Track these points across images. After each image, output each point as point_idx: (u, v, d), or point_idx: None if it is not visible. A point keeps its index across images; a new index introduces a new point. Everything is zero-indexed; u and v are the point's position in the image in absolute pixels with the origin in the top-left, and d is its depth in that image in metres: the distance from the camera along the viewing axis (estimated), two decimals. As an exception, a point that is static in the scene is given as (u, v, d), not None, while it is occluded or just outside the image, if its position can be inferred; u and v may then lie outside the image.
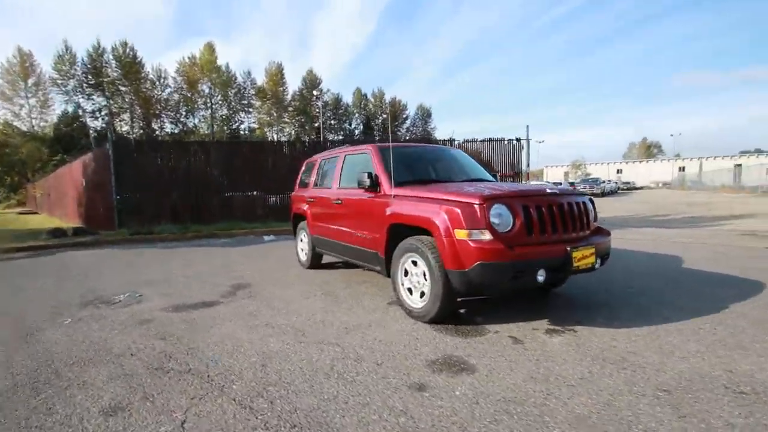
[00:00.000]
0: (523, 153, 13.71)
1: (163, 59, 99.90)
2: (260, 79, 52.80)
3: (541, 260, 2.87)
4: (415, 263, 3.38)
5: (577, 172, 60.95)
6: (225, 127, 50.59)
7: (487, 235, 2.83)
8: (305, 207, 5.57)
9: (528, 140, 13.73)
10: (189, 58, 48.21)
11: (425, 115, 64.34)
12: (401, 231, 3.55)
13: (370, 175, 3.89)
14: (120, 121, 46.91)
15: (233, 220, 11.46)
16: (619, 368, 2.40)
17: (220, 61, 49.34)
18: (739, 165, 40.16)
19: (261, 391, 2.26)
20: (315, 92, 49.97)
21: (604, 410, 1.98)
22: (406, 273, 3.50)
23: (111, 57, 44.30)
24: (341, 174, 4.79)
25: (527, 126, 14.98)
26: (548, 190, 3.31)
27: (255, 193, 12.65)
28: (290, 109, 54.10)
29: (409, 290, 3.47)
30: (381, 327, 3.24)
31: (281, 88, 53.13)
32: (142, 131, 47.13)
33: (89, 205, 13.28)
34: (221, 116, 51.52)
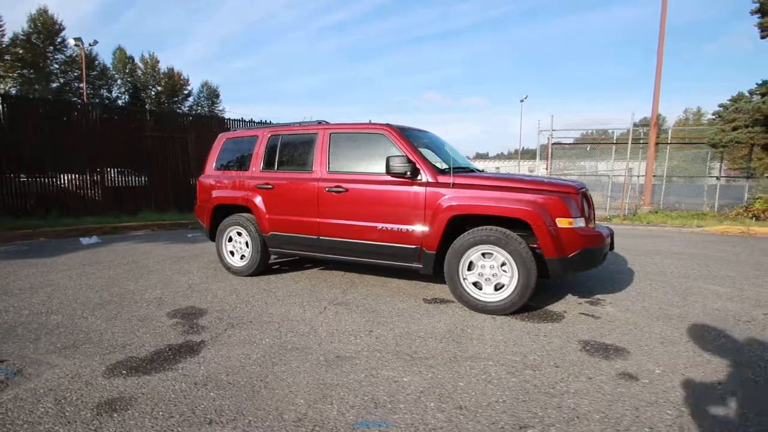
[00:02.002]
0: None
1: None
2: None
3: (606, 245, 3.33)
4: (484, 255, 3.24)
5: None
6: None
7: (583, 223, 3.06)
8: (253, 196, 4.22)
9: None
10: None
11: (212, 94, 57.28)
12: (461, 223, 3.31)
13: (408, 160, 3.40)
14: None
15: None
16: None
17: None
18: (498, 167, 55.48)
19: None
20: (67, 41, 35.89)
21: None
22: (470, 266, 3.30)
23: None
24: (329, 156, 3.91)
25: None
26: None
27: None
28: (7, 57, 37.07)
29: (474, 284, 3.30)
30: (495, 329, 2.97)
31: (-17, 23, 35.46)
32: None
33: None
34: None
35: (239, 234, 4.47)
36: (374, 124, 3.85)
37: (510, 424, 1.81)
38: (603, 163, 15.25)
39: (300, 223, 3.99)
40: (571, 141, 17.39)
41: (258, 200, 4.21)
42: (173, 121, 11.06)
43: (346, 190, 3.73)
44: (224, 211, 4.60)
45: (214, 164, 4.72)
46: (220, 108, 59.01)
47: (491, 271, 3.23)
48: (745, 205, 11.62)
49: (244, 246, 4.45)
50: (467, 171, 3.89)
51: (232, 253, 4.54)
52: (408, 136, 3.72)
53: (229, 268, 4.52)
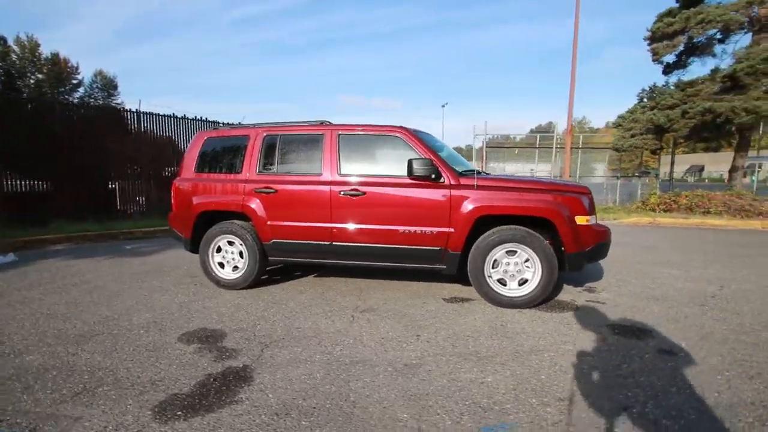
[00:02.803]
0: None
1: None
2: None
3: (610, 239, 3.71)
4: (509, 253, 3.40)
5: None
6: None
7: (595, 220, 3.38)
8: (250, 202, 3.84)
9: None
10: None
11: (108, 84, 50.22)
12: (485, 223, 3.43)
13: (432, 163, 3.42)
14: None
15: None
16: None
17: None
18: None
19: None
20: None
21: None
22: (494, 264, 3.44)
23: None
24: (339, 159, 3.74)
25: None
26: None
27: None
28: None
29: (499, 281, 3.45)
30: (531, 322, 3.10)
31: None
32: None
33: None
34: None
35: (230, 243, 4.04)
36: (388, 126, 3.78)
37: (612, 408, 1.95)
38: (529, 164, 16.92)
39: (309, 229, 3.75)
40: (494, 145, 18.98)
41: (257, 206, 3.85)
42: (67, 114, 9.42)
43: (364, 193, 3.60)
44: (208, 219, 4.11)
45: (194, 167, 4.19)
46: (119, 101, 52.23)
47: (515, 267, 3.41)
48: (642, 200, 13.85)
49: (236, 256, 4.03)
50: (473, 172, 4.04)
51: (221, 264, 4.08)
52: (422, 138, 3.74)
53: (218, 282, 4.06)
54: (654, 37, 12.91)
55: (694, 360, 2.46)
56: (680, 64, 15.22)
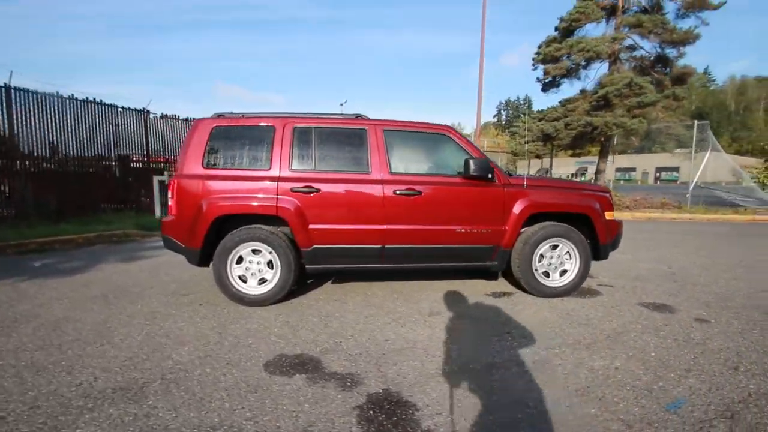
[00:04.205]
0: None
1: None
2: None
3: None
4: (553, 247, 3.71)
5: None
6: None
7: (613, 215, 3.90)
8: (287, 203, 3.32)
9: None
10: None
11: None
12: (533, 220, 3.67)
13: (488, 163, 3.50)
14: None
15: None
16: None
17: None
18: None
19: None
20: None
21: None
22: (539, 258, 3.70)
23: None
24: (388, 156, 3.52)
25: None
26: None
27: None
28: None
29: (544, 273, 3.73)
30: (588, 311, 3.38)
31: None
32: None
33: None
34: None
35: (255, 252, 3.44)
36: (435, 124, 3.70)
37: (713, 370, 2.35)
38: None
39: (358, 232, 3.44)
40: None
41: (295, 207, 3.36)
42: None
43: (420, 192, 3.48)
44: (220, 225, 3.42)
45: (202, 160, 3.42)
46: None
47: (558, 260, 3.73)
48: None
49: (264, 267, 3.45)
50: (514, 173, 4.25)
51: (241, 278, 3.45)
52: (465, 139, 3.78)
53: (240, 299, 3.41)
54: (545, 60, 15.35)
55: (720, 321, 3.10)
56: (554, 83, 18.36)
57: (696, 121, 12.89)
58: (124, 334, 2.86)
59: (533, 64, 17.34)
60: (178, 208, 3.38)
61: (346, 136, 3.56)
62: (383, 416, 1.92)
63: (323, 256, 3.47)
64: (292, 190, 3.37)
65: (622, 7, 15.03)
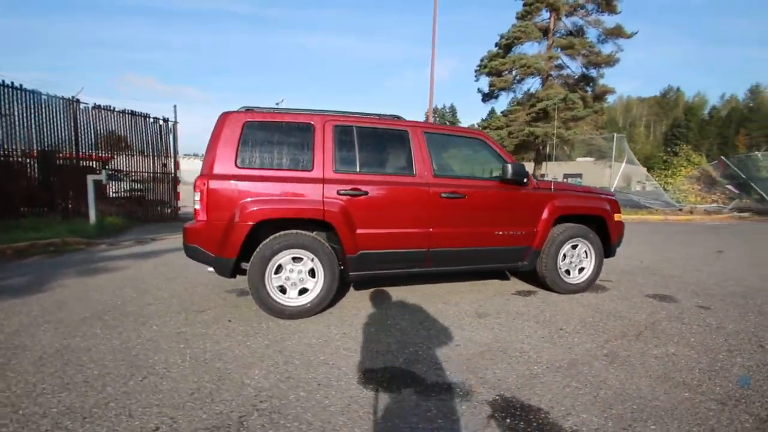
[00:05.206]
0: (171, 137, 11.32)
1: None
2: None
3: None
4: (573, 246, 3.97)
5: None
6: None
7: (618, 217, 4.30)
8: (335, 206, 3.09)
9: (176, 122, 11.47)
10: None
11: None
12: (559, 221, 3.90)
13: (524, 168, 3.64)
14: None
15: None
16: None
17: None
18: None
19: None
20: None
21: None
22: (563, 258, 3.94)
23: None
24: (431, 158, 3.47)
25: (175, 106, 12.07)
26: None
27: None
28: None
29: (567, 272, 3.97)
30: (614, 304, 3.64)
31: None
32: None
33: None
34: None
35: (296, 260, 3.14)
36: (470, 128, 3.78)
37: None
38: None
39: (405, 236, 3.34)
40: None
41: (343, 211, 3.14)
42: None
43: (464, 196, 3.48)
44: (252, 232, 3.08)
45: (235, 159, 3.03)
46: None
47: (578, 259, 4.01)
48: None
49: (305, 276, 3.17)
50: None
51: (281, 289, 3.13)
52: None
53: (281, 312, 3.09)
54: (490, 72, 16.46)
55: (718, 308, 3.60)
56: (493, 95, 19.78)
57: (615, 134, 14.84)
58: (164, 362, 2.42)
59: (476, 76, 18.53)
60: (209, 211, 2.96)
61: (389, 138, 3.45)
62: (522, 423, 1.89)
63: (370, 262, 3.31)
64: (338, 192, 3.16)
65: (553, 29, 16.76)
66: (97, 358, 2.46)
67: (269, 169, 3.12)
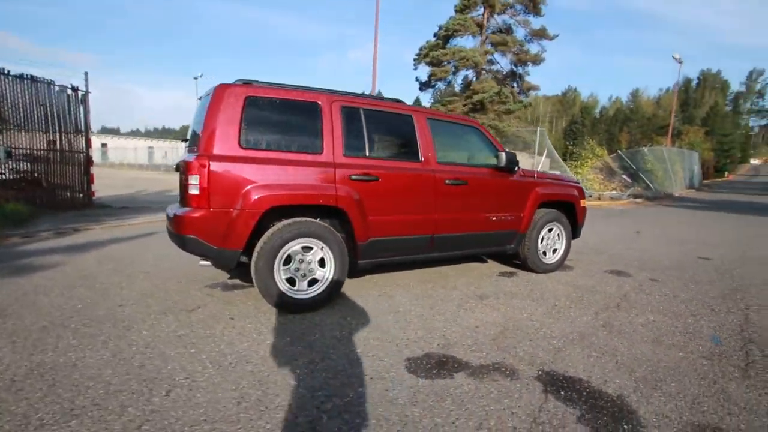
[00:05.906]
0: (81, 110, 9.56)
1: None
2: None
3: None
4: (549, 230, 4.31)
5: None
6: None
7: (581, 202, 4.75)
8: (347, 192, 2.93)
9: (88, 92, 9.69)
10: None
11: None
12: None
13: (516, 157, 3.83)
14: None
15: None
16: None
17: None
18: (152, 147, 44.88)
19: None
20: None
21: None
22: (542, 240, 4.26)
23: None
24: (434, 145, 3.45)
25: (86, 73, 9.97)
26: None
27: None
28: None
29: (544, 253, 4.30)
30: (597, 283, 4.02)
31: None
32: None
33: None
34: None
35: (306, 249, 2.93)
36: (466, 117, 3.82)
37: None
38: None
39: (414, 222, 3.31)
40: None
41: (355, 197, 2.99)
42: None
43: (467, 182, 3.55)
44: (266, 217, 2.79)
45: (239, 138, 2.68)
46: None
47: (552, 241, 4.37)
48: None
49: (314, 266, 2.98)
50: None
51: (290, 281, 2.90)
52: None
53: (291, 305, 2.87)
54: (431, 62, 16.82)
55: (665, 281, 4.23)
56: (431, 84, 20.34)
57: (539, 128, 16.31)
58: (182, 371, 2.11)
59: (415, 64, 18.82)
60: (211, 198, 2.60)
61: (395, 122, 3.36)
62: (575, 394, 2.03)
63: (378, 249, 3.23)
64: (351, 178, 3.00)
65: (486, 25, 17.68)
66: (93, 375, 2.05)
67: (276, 150, 2.84)
